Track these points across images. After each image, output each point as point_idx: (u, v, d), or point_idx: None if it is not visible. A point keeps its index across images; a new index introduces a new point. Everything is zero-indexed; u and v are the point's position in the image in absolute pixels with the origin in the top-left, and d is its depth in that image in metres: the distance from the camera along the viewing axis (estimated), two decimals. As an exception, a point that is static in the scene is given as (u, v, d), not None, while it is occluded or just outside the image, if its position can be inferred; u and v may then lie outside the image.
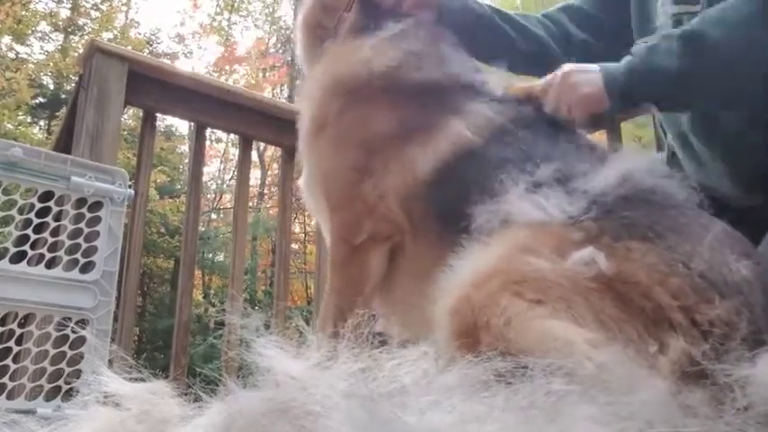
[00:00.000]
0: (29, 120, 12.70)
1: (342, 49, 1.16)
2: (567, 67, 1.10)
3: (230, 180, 14.03)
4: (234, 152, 13.62)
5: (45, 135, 12.14)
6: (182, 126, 13.86)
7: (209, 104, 2.08)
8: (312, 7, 1.27)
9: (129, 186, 1.52)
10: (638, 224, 0.73)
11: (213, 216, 13.78)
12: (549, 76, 1.13)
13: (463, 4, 1.38)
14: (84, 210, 1.45)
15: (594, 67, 1.09)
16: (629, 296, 0.65)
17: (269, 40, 15.34)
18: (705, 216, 0.78)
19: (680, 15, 1.20)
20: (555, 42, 1.45)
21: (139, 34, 14.32)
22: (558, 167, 0.86)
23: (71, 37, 13.41)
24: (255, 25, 15.77)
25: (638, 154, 0.89)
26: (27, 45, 12.67)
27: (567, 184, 0.82)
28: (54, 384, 1.36)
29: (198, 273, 11.57)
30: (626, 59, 1.08)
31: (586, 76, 1.07)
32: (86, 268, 1.42)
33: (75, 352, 1.38)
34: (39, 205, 1.43)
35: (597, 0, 1.47)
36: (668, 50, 1.02)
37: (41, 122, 13.12)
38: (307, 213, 11.81)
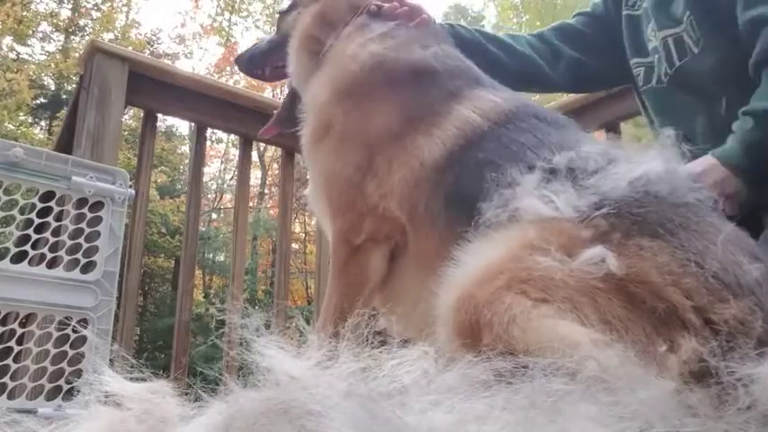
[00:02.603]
0: (30, 120, 12.73)
1: (337, 55, 1.18)
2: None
3: (231, 180, 14.05)
4: (234, 152, 13.64)
5: (46, 135, 12.17)
6: (182, 126, 13.91)
7: (209, 105, 2.09)
8: (309, 25, 1.28)
9: (130, 186, 1.52)
10: (650, 221, 0.72)
11: (214, 216, 13.80)
12: None
13: (453, 31, 1.43)
14: (85, 210, 1.45)
15: (708, 157, 1.11)
16: (640, 296, 0.65)
17: (269, 40, 15.31)
18: (715, 215, 0.78)
19: (666, 38, 1.27)
20: (543, 59, 1.50)
21: (140, 35, 14.35)
22: (569, 162, 0.85)
23: (72, 37, 13.43)
24: (256, 26, 15.80)
25: (648, 150, 0.88)
26: (28, 46, 12.71)
27: (578, 180, 0.81)
28: (55, 384, 1.36)
29: (198, 272, 11.59)
30: (731, 137, 1.10)
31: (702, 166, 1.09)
32: (87, 268, 1.42)
33: (76, 351, 1.38)
34: (40, 205, 1.44)
35: (589, 20, 1.52)
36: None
37: (42, 123, 13.15)
38: (307, 213, 11.82)
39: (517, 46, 1.48)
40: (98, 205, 1.46)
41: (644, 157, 0.83)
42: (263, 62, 1.41)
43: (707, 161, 1.10)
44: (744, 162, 1.07)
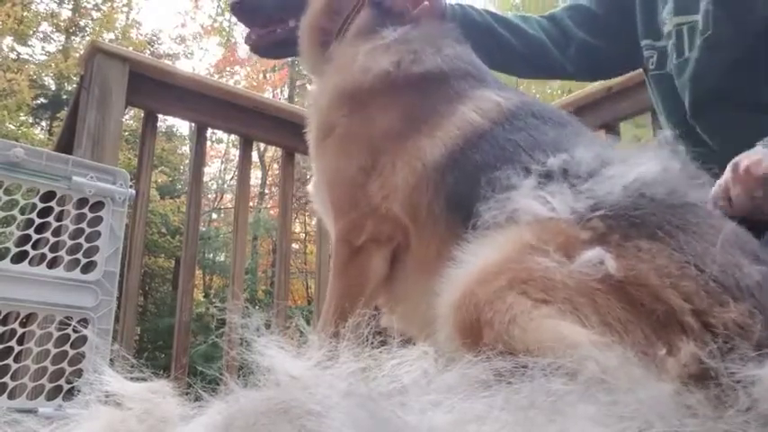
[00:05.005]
0: (30, 120, 12.73)
1: (345, 57, 1.17)
2: (743, 160, 0.95)
3: (231, 180, 14.06)
4: (234, 152, 13.65)
5: (47, 135, 12.17)
6: (182, 127, 13.91)
7: (209, 105, 2.09)
8: (318, 11, 1.27)
9: (131, 186, 1.52)
10: (648, 223, 0.72)
11: (214, 216, 13.80)
12: (722, 180, 0.97)
13: (463, 13, 1.39)
14: (85, 210, 1.45)
15: (761, 149, 0.97)
16: (639, 298, 0.65)
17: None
18: (715, 215, 0.78)
19: (681, 26, 1.20)
20: (553, 45, 1.45)
21: (140, 35, 14.35)
22: (567, 161, 0.85)
23: (72, 38, 13.43)
24: (256, 26, 15.73)
25: (646, 150, 0.87)
26: (28, 46, 12.70)
27: (576, 180, 0.81)
28: (55, 384, 1.36)
29: (199, 272, 11.59)
30: None
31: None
32: (88, 268, 1.42)
33: (76, 351, 1.38)
34: (40, 205, 1.44)
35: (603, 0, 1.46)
36: None
37: (43, 123, 13.15)
38: (307, 213, 11.82)
39: (528, 29, 1.43)
40: (98, 205, 1.47)
41: (639, 159, 0.83)
42: (266, 18, 1.29)
43: (763, 151, 0.96)
44: None
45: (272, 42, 1.31)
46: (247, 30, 1.33)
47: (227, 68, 14.91)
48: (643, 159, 0.83)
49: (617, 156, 0.86)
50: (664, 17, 1.28)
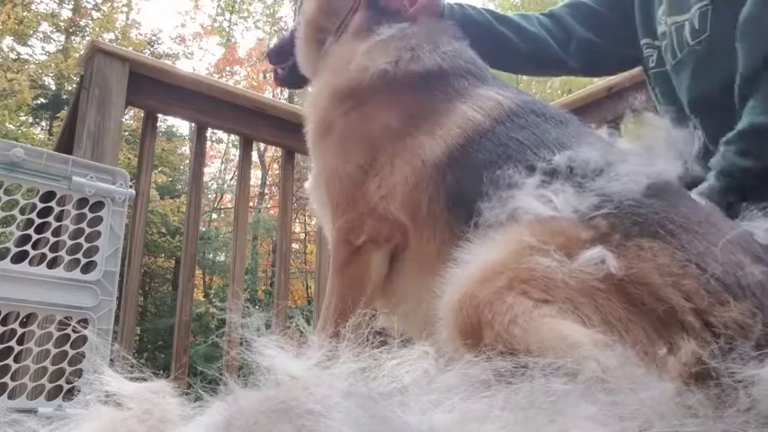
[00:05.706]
0: (30, 120, 12.75)
1: (342, 55, 1.17)
2: None
3: (231, 180, 14.07)
4: (234, 152, 13.67)
5: (47, 135, 12.18)
6: (182, 127, 13.92)
7: (209, 105, 2.09)
8: (315, 9, 1.27)
9: (131, 186, 1.53)
10: (650, 222, 0.71)
11: (214, 216, 13.82)
12: None
13: (462, 12, 1.39)
14: (85, 210, 1.45)
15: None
16: (640, 297, 0.65)
17: (270, 41, 15.37)
18: (717, 214, 0.78)
19: (679, 24, 1.20)
20: (554, 41, 1.45)
21: (140, 35, 14.36)
22: (569, 161, 0.84)
23: (72, 38, 13.44)
24: (256, 26, 15.81)
25: (646, 149, 0.87)
26: (28, 46, 12.72)
27: (578, 179, 0.81)
28: (55, 384, 1.36)
29: (199, 272, 11.60)
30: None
31: None
32: (88, 268, 1.42)
33: (76, 351, 1.38)
34: (40, 205, 1.44)
35: None
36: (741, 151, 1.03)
37: (43, 123, 13.16)
38: (307, 213, 11.84)
39: (529, 26, 1.43)
40: (98, 205, 1.47)
41: (643, 155, 0.83)
42: (286, 55, 1.38)
43: None
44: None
45: (289, 70, 1.40)
46: (273, 67, 1.45)
47: (227, 68, 14.92)
48: (650, 158, 0.83)
49: (623, 154, 0.86)
50: (659, 17, 1.28)
